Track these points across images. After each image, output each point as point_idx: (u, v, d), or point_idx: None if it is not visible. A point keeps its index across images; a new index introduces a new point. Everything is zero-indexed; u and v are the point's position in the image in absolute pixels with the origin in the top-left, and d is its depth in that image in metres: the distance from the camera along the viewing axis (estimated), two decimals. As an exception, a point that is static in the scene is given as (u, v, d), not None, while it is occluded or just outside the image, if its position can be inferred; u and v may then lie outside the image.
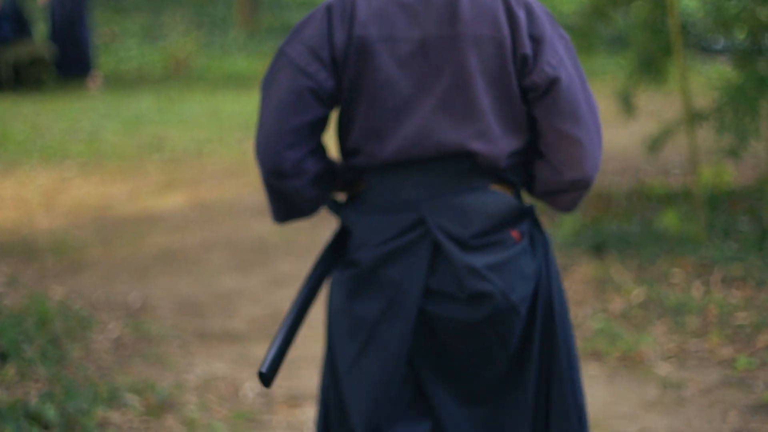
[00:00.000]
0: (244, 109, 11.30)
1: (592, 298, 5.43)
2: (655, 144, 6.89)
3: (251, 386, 4.51)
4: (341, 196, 2.61)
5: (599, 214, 6.73)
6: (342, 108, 2.46)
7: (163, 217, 7.40)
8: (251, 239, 6.88)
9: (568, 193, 2.52)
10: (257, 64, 14.06)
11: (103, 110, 11.24)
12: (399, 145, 2.41)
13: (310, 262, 6.31)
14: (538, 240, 2.52)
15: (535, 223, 2.54)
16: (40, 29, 13.39)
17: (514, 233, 2.46)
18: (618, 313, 5.24)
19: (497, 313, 2.41)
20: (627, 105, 7.05)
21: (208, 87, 12.73)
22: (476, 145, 2.40)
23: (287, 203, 2.52)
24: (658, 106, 9.02)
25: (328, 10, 2.41)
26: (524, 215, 2.49)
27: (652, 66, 6.87)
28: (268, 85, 2.45)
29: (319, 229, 7.07)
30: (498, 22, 2.38)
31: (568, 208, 2.58)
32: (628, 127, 7.53)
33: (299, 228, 7.10)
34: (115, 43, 14.89)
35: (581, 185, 2.48)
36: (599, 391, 4.43)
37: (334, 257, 2.55)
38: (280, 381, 4.51)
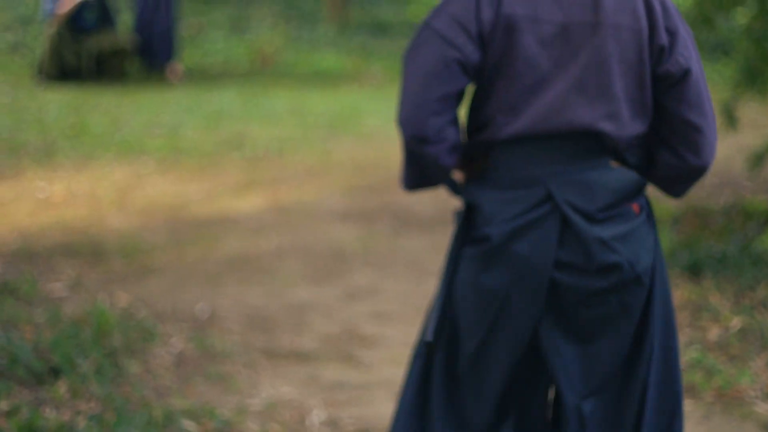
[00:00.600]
0: (329, 108, 11.04)
1: (686, 325, 5.06)
2: (757, 159, 6.54)
3: (318, 414, 4.21)
4: (458, 176, 2.75)
5: (695, 232, 6.34)
6: (480, 82, 2.62)
7: (238, 219, 7.14)
8: (329, 246, 6.60)
9: (685, 179, 2.71)
10: (346, 61, 13.81)
11: (184, 104, 11.05)
12: (531, 120, 2.55)
13: (389, 274, 6.17)
14: (651, 213, 2.70)
15: (646, 198, 2.72)
16: (124, 20, 13.26)
17: (635, 206, 2.64)
18: (714, 343, 4.87)
19: (624, 282, 2.59)
20: (729, 116, 6.67)
21: (294, 83, 12.49)
22: (606, 126, 2.56)
23: (422, 170, 2.69)
24: (761, 119, 8.58)
25: None
26: (642, 189, 2.66)
27: (756, 76, 6.49)
28: (412, 56, 2.60)
29: (401, 239, 6.80)
30: (637, 14, 2.56)
31: (679, 194, 2.77)
32: (729, 139, 7.10)
33: (380, 236, 6.85)
34: (201, 35, 14.70)
35: (699, 172, 2.68)
36: (693, 430, 4.07)
37: (466, 234, 2.67)
38: (349, 409, 4.21)
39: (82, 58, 11.98)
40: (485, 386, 2.68)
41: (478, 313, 2.63)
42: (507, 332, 2.62)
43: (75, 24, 11.89)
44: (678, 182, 2.74)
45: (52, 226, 6.86)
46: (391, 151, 8.98)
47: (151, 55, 12.34)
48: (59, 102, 10.88)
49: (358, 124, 10.40)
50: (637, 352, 2.67)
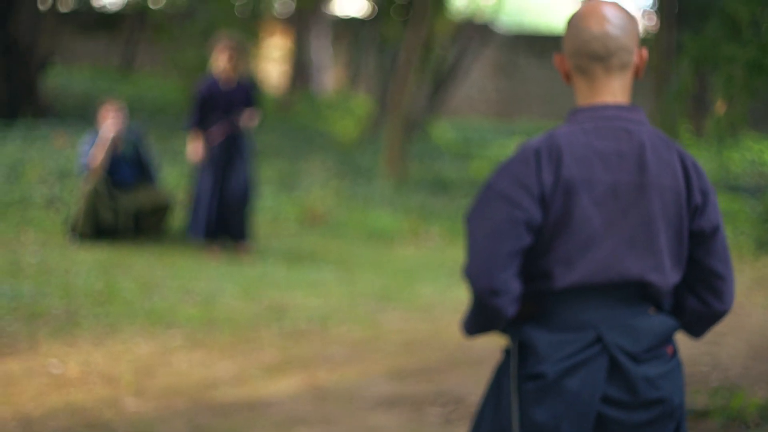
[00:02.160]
0: (382, 273, 10.57)
1: None
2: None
3: None
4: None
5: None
6: (539, 237, 2.95)
7: (270, 404, 6.60)
8: (370, 443, 6.02)
9: (707, 322, 3.13)
10: (402, 221, 13.40)
11: (224, 269, 10.66)
12: (586, 272, 2.92)
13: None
14: (680, 357, 3.08)
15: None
16: (163, 175, 13.00)
17: (669, 349, 3.03)
18: None
19: (662, 416, 2.97)
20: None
21: (345, 244, 12.08)
22: (653, 277, 2.95)
23: (487, 318, 2.97)
24: None
25: (537, 152, 2.93)
26: (674, 332, 3.05)
27: None
28: (479, 215, 2.93)
29: (451, 428, 6.22)
30: (676, 175, 2.96)
31: (699, 335, 3.18)
32: None
33: (430, 427, 6.26)
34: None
35: (720, 315, 3.11)
36: None
37: (520, 372, 2.98)
38: None
39: (119, 215, 11.67)
40: None
41: None
42: None
43: (112, 179, 11.62)
44: (700, 325, 3.15)
45: (60, 409, 6.35)
46: (448, 325, 8.45)
47: (219, 230, 11.32)
48: (90, 263, 10.51)
49: (412, 294, 9.90)
50: None
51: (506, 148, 21.26)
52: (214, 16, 20.45)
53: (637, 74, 3.09)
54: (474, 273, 2.90)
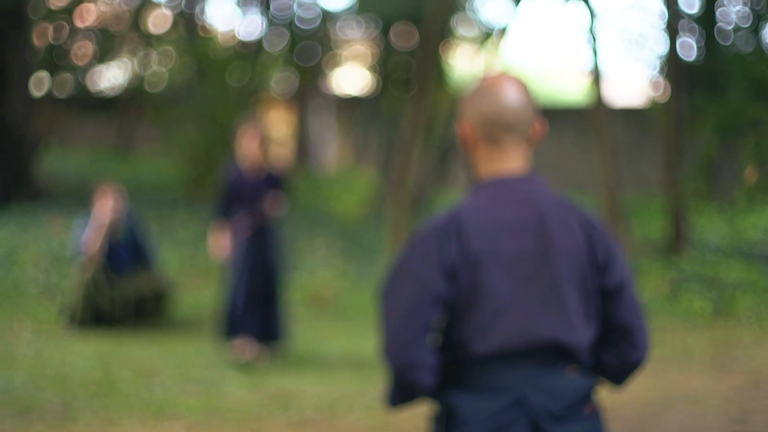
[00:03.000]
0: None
1: None
2: None
3: None
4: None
5: None
6: (450, 309, 3.11)
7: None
8: None
9: (625, 372, 3.25)
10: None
11: (226, 355, 10.40)
12: (501, 339, 3.07)
13: None
14: (599, 415, 3.21)
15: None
16: (160, 259, 12.78)
17: (588, 408, 3.15)
18: None
19: None
20: None
21: (351, 327, 11.82)
22: (566, 337, 3.10)
23: (407, 391, 3.16)
24: None
25: (442, 229, 3.11)
26: (592, 390, 3.18)
27: None
28: (390, 295, 3.12)
29: None
30: (578, 238, 3.14)
31: (620, 383, 3.32)
32: None
33: None
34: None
35: (636, 365, 3.24)
36: None
37: None
38: None
39: (117, 303, 11.46)
40: None
41: None
42: None
43: (109, 265, 11.41)
44: (619, 374, 3.28)
45: None
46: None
47: (249, 328, 10.17)
48: (87, 353, 10.26)
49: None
50: None
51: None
52: (211, 96, 20.40)
53: (532, 144, 3.27)
54: (389, 351, 3.10)
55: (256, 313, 10.15)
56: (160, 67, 26.90)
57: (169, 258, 14.10)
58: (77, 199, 17.64)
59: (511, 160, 3.22)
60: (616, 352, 3.23)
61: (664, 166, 14.59)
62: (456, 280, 3.08)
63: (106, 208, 11.35)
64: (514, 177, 3.20)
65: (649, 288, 13.50)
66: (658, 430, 7.71)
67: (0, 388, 8.65)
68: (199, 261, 14.32)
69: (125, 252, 11.58)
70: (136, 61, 27.47)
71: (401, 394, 3.19)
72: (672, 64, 15.15)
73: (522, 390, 3.08)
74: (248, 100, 24.16)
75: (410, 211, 16.57)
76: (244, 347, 10.08)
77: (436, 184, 21.65)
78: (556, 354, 3.13)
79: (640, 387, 9.17)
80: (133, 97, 27.43)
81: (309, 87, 27.07)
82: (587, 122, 24.56)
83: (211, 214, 10.53)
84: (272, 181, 10.18)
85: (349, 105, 29.35)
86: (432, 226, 3.13)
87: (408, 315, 3.07)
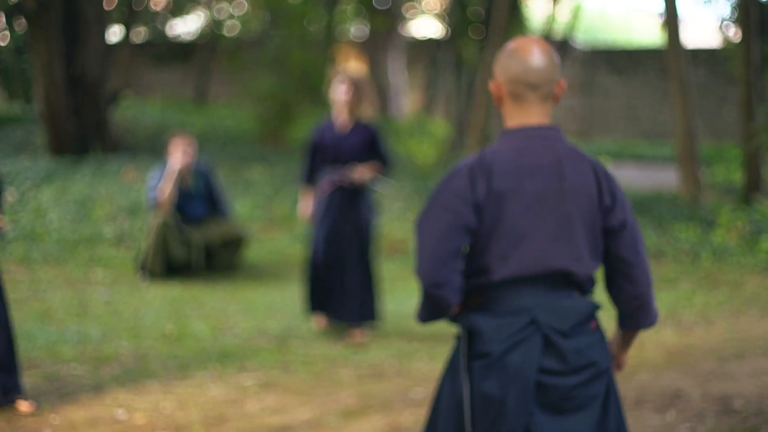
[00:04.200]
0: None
1: None
2: None
3: None
4: (455, 310, 3.70)
5: None
6: (476, 239, 3.59)
7: (348, 452, 6.24)
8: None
9: (629, 306, 3.72)
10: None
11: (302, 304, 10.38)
12: (519, 266, 3.56)
13: None
14: (603, 331, 3.72)
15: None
16: (235, 208, 12.73)
17: (593, 324, 3.67)
18: None
19: (591, 378, 3.61)
20: None
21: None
22: (574, 267, 3.60)
23: (435, 307, 3.60)
24: None
25: (471, 169, 3.60)
26: (596, 311, 3.68)
27: None
28: (425, 222, 3.59)
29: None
30: (590, 181, 3.63)
31: (632, 324, 3.77)
32: None
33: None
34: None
35: (635, 297, 3.69)
36: None
37: (470, 353, 3.61)
38: None
39: (191, 250, 11.44)
40: None
41: (483, 413, 3.57)
42: (506, 425, 3.53)
43: (183, 214, 11.39)
44: (627, 313, 3.75)
45: (126, 462, 6.07)
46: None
47: (334, 311, 9.28)
48: (160, 302, 10.27)
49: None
50: (603, 427, 3.65)
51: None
52: (287, 42, 20.20)
53: (556, 101, 3.73)
54: (422, 270, 3.56)
55: (336, 291, 9.17)
56: (236, 13, 26.84)
57: (243, 209, 14.07)
58: (152, 149, 17.67)
59: (534, 115, 3.69)
60: (618, 287, 3.71)
61: (740, 112, 14.21)
62: (482, 212, 3.57)
63: (178, 156, 11.30)
64: (536, 127, 3.68)
65: (727, 234, 13.23)
66: (733, 375, 7.53)
67: (74, 338, 8.68)
68: (274, 212, 14.27)
69: (198, 201, 11.56)
70: (211, 10, 27.44)
71: (430, 310, 3.65)
72: (744, 5, 14.70)
73: (535, 311, 3.58)
74: (326, 46, 23.99)
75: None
76: (323, 322, 9.32)
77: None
78: (565, 281, 3.63)
79: (717, 332, 8.97)
80: (208, 44, 27.40)
81: (384, 33, 26.79)
82: (662, 65, 24.10)
83: (299, 175, 9.57)
84: (362, 139, 9.04)
85: (423, 49, 29.07)
86: (464, 166, 3.61)
87: (440, 240, 3.54)
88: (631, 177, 19.63)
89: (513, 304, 3.59)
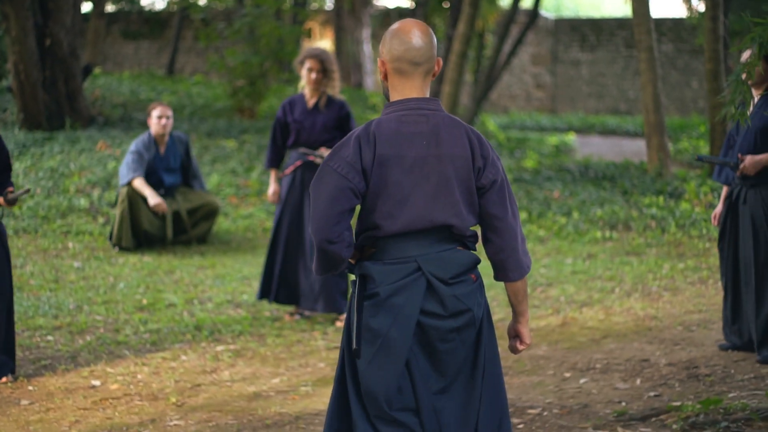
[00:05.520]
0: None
1: None
2: None
3: None
4: (352, 260, 4.15)
5: None
6: (366, 199, 4.04)
7: (319, 417, 6.28)
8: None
9: (497, 256, 4.14)
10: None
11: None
12: (404, 222, 4.02)
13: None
14: (482, 283, 4.16)
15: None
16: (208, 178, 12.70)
17: (473, 276, 4.12)
18: None
19: (466, 324, 4.07)
20: None
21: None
22: (454, 221, 4.05)
23: (328, 261, 4.02)
24: None
25: (357, 138, 4.03)
26: (476, 264, 4.14)
27: None
28: (318, 186, 4.01)
29: None
30: (464, 146, 4.07)
31: (505, 274, 4.18)
32: None
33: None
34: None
35: (500, 249, 4.11)
36: None
37: (361, 294, 4.06)
38: None
39: (165, 222, 11.42)
40: (380, 377, 4.02)
41: (369, 344, 4.00)
42: (389, 356, 3.99)
43: (157, 183, 11.37)
44: (498, 263, 4.15)
45: (100, 428, 6.08)
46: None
47: (301, 301, 8.85)
48: (134, 273, 10.28)
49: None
50: (473, 371, 4.10)
51: (551, 141, 20.86)
52: (258, 14, 20.09)
53: (434, 76, 4.16)
54: (315, 228, 3.97)
55: (300, 279, 8.77)
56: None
57: (215, 181, 14.05)
58: (125, 122, 17.61)
59: (416, 89, 4.10)
60: (488, 240, 4.13)
61: (708, 79, 14.25)
62: (368, 176, 3.99)
63: (155, 122, 11.27)
64: (416, 99, 4.09)
65: (693, 205, 13.32)
66: (699, 342, 7.61)
67: (50, 310, 8.67)
68: (246, 184, 14.26)
69: (173, 171, 11.53)
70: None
71: (325, 263, 4.04)
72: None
73: (420, 260, 4.02)
74: (298, 20, 23.89)
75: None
76: (295, 317, 8.87)
77: (480, 103, 21.42)
78: (448, 235, 4.07)
79: (683, 300, 9.05)
80: (179, 16, 27.27)
81: (355, 4, 26.71)
82: (630, 37, 24.18)
83: (267, 154, 9.11)
84: (329, 119, 8.75)
85: (390, 20, 29.05)
86: (353, 135, 4.04)
87: (331, 201, 3.95)
88: (600, 149, 19.73)
89: (400, 254, 4.03)
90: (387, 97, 4.17)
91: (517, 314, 4.26)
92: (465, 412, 4.08)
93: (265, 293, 8.83)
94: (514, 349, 4.28)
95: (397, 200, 4.00)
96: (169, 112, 11.37)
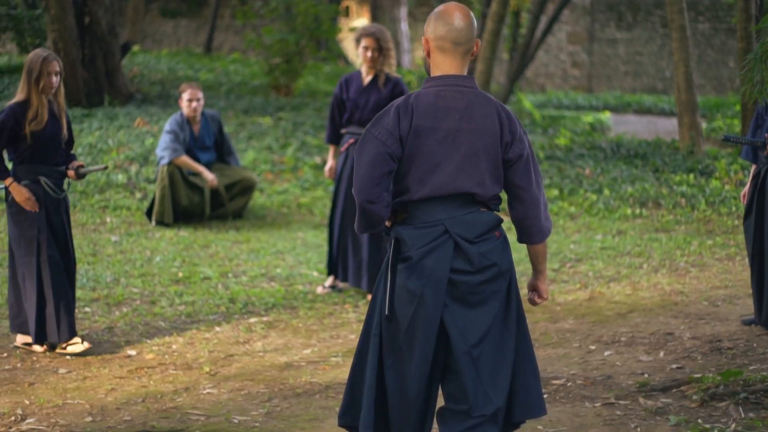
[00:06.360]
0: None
1: None
2: None
3: None
4: (388, 223, 4.49)
5: None
6: (401, 164, 4.40)
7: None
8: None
9: (520, 222, 4.47)
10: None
11: (311, 242, 10.51)
12: (433, 187, 4.37)
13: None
14: (506, 238, 4.48)
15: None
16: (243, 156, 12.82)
17: (497, 233, 4.44)
18: None
19: (494, 276, 4.38)
20: None
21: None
22: (477, 189, 4.39)
23: (369, 219, 4.37)
24: None
25: (397, 109, 4.40)
26: (499, 224, 4.46)
27: None
28: (360, 151, 4.39)
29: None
30: (494, 122, 4.41)
31: (529, 238, 4.54)
32: None
33: None
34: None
35: (522, 217, 4.45)
36: None
37: (396, 257, 4.39)
38: None
39: (203, 197, 11.59)
40: (419, 352, 4.35)
41: (407, 305, 4.33)
42: (425, 314, 4.31)
43: (192, 160, 11.54)
44: (522, 229, 4.50)
45: (136, 396, 6.26)
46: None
47: (345, 274, 8.99)
48: (170, 248, 10.46)
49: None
50: (505, 320, 4.43)
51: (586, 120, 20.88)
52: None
53: (473, 56, 4.54)
54: (358, 189, 4.34)
55: (349, 254, 8.84)
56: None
57: (251, 158, 14.20)
58: (163, 99, 17.79)
59: (455, 67, 4.46)
60: (513, 207, 4.47)
61: (741, 58, 14.25)
62: (404, 144, 4.35)
63: (186, 104, 11.46)
64: (453, 75, 4.44)
65: (724, 183, 13.36)
66: (724, 317, 7.69)
67: (88, 282, 8.87)
68: (281, 161, 14.41)
69: (208, 148, 11.70)
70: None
71: (366, 222, 4.40)
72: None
73: (447, 223, 4.36)
74: None
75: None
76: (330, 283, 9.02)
77: (519, 81, 21.43)
78: (471, 200, 4.41)
79: (710, 276, 9.11)
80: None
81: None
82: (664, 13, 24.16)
83: (327, 130, 9.18)
84: (384, 97, 8.72)
85: (429, 1, 29.08)
86: (393, 106, 4.40)
87: (372, 164, 4.32)
88: (635, 128, 19.73)
89: (429, 218, 4.38)
90: (428, 72, 4.51)
91: (537, 272, 4.64)
92: (501, 357, 4.39)
93: (332, 269, 8.95)
94: (532, 302, 4.66)
95: (429, 167, 4.36)
96: (200, 94, 11.53)
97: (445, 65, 4.46)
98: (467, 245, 4.35)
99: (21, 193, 6.98)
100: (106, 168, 7.46)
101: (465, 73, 4.50)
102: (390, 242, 4.44)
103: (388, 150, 4.33)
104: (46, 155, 7.08)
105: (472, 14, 4.49)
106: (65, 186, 7.23)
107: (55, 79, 6.99)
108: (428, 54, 4.50)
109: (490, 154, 4.39)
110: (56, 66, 6.99)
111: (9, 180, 7.02)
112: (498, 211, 4.50)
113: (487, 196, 4.41)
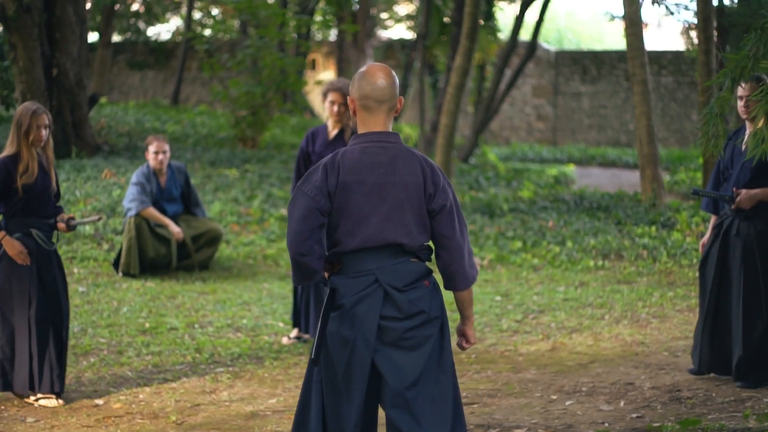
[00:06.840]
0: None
1: None
2: None
3: None
4: (326, 274, 4.80)
5: None
6: (331, 218, 4.70)
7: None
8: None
9: (445, 270, 4.74)
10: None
11: (277, 293, 10.58)
12: (363, 239, 4.65)
13: None
14: (437, 287, 4.77)
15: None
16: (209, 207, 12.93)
17: (426, 282, 4.72)
18: None
19: (423, 322, 4.66)
20: None
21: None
22: (405, 240, 4.66)
23: (303, 272, 4.70)
24: None
25: (325, 166, 4.70)
26: (429, 273, 4.75)
27: None
28: (292, 206, 4.70)
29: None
30: (418, 174, 4.68)
31: (456, 285, 4.79)
32: None
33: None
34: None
35: (448, 265, 4.72)
36: None
37: (330, 305, 4.71)
38: None
39: (168, 248, 11.68)
40: (353, 393, 4.65)
41: (341, 350, 4.65)
42: (357, 359, 4.62)
43: (159, 212, 11.63)
44: (448, 276, 4.76)
45: (104, 447, 6.33)
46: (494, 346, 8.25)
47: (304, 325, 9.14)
48: (137, 298, 10.53)
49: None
50: (439, 363, 4.70)
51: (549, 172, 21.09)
52: (262, 46, 20.38)
53: (396, 113, 4.82)
54: (290, 242, 4.66)
55: (308, 305, 9.01)
56: (210, 19, 26.99)
57: (218, 210, 14.31)
58: (130, 151, 17.89)
59: (379, 124, 4.76)
60: (438, 256, 4.73)
61: (700, 111, 14.53)
62: (332, 198, 4.64)
63: (152, 156, 11.57)
64: (378, 132, 4.74)
65: (680, 235, 13.57)
66: (684, 367, 7.83)
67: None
68: (247, 214, 14.52)
69: (174, 200, 11.80)
70: (188, 14, 27.63)
71: (300, 274, 4.73)
72: (702, 8, 14.95)
73: (377, 272, 4.64)
74: (301, 52, 24.17)
75: (450, 159, 16.70)
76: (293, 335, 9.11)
77: (480, 134, 21.67)
78: (400, 250, 4.68)
79: (671, 327, 9.27)
80: (184, 47, 27.60)
81: (357, 36, 27.03)
82: (626, 68, 24.45)
83: (292, 184, 9.30)
84: None
85: (395, 53, 29.37)
86: (322, 163, 4.70)
87: (303, 219, 4.61)
88: (599, 181, 19.98)
89: (361, 268, 4.67)
90: (354, 130, 4.72)
91: (464, 318, 4.90)
92: (439, 399, 4.65)
93: (296, 321, 9.07)
94: (460, 346, 4.91)
95: (357, 220, 4.65)
96: (166, 146, 11.67)
97: (370, 122, 4.75)
98: (396, 293, 4.63)
99: (14, 247, 7.08)
100: (100, 219, 7.58)
101: (389, 129, 4.78)
102: (327, 292, 4.73)
103: (317, 205, 4.61)
104: (37, 208, 7.20)
105: (394, 74, 4.81)
106: (54, 239, 7.35)
107: (45, 133, 7.10)
108: (354, 113, 4.80)
109: (414, 205, 4.66)
110: (45, 119, 7.10)
111: (1, 233, 7.10)
112: (429, 261, 4.78)
113: (415, 245, 4.68)
